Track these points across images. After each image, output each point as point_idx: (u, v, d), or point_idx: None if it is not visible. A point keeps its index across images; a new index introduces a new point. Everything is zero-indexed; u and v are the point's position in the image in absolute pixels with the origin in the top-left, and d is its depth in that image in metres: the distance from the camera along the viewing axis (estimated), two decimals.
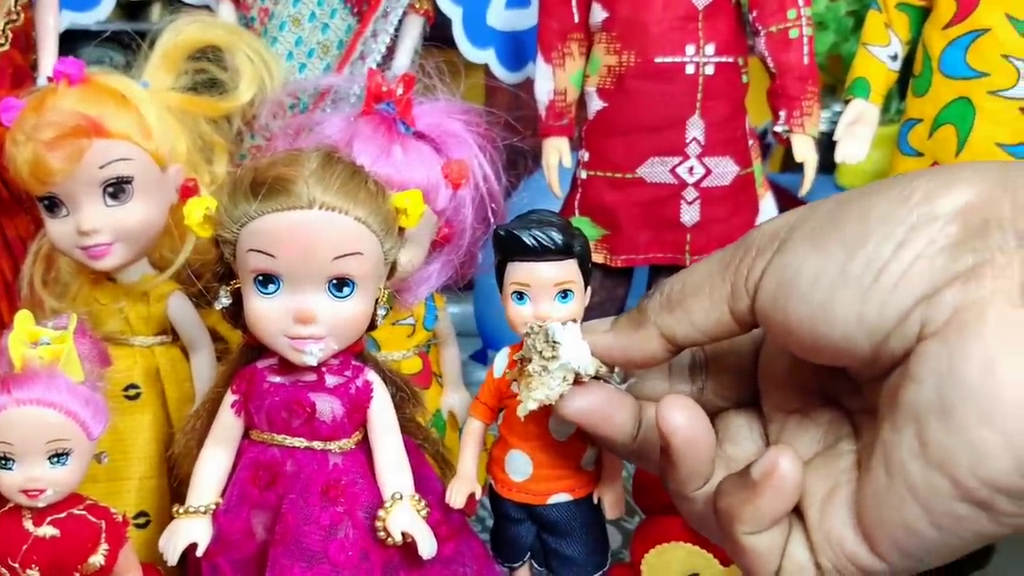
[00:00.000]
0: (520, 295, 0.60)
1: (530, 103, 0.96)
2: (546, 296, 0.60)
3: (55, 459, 0.55)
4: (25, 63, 0.93)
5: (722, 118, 0.90)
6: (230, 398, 0.59)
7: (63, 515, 0.57)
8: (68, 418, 0.54)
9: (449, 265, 0.77)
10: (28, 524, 0.56)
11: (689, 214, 0.91)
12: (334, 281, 0.54)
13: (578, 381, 0.39)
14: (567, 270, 0.60)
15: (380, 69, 1.01)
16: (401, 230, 0.58)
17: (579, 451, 0.64)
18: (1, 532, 0.56)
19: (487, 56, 1.17)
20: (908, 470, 0.29)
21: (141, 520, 0.70)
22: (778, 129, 0.93)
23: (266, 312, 0.55)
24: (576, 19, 0.93)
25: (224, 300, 0.57)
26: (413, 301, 0.76)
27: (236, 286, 0.57)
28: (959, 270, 0.28)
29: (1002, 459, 0.27)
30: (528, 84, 0.99)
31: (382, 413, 0.59)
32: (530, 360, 0.39)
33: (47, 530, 0.56)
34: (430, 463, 0.66)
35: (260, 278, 0.54)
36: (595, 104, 0.92)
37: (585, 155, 0.94)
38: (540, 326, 0.40)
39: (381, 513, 0.57)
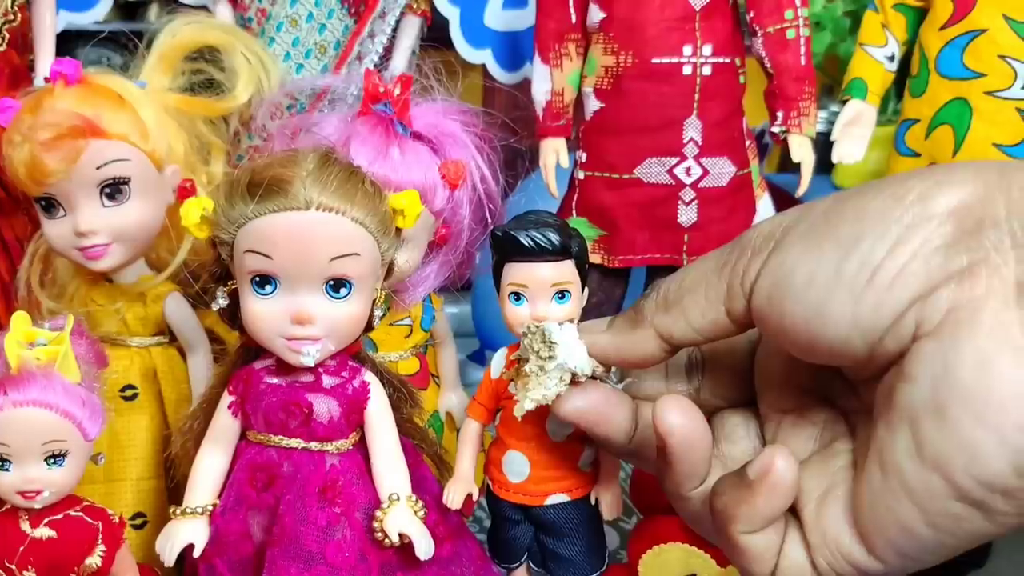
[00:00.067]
0: (517, 296, 0.60)
1: (528, 104, 0.96)
2: (543, 297, 0.60)
3: (52, 460, 0.55)
4: (22, 63, 0.93)
5: (719, 119, 0.90)
6: (227, 399, 0.59)
7: (60, 516, 0.57)
8: (64, 419, 0.54)
9: (447, 266, 0.77)
10: (25, 525, 0.56)
11: (686, 215, 0.91)
12: (331, 282, 0.54)
13: (575, 381, 0.39)
14: (564, 271, 0.60)
15: (377, 70, 1.01)
16: (398, 231, 0.58)
17: (576, 452, 0.64)
18: None
19: (484, 57, 1.17)
20: (903, 470, 0.29)
21: (138, 521, 0.70)
22: (775, 130, 0.93)
23: (263, 313, 0.55)
24: (573, 19, 0.93)
25: (221, 301, 0.57)
26: (410, 302, 0.76)
27: (233, 287, 0.57)
28: (954, 270, 0.28)
29: (997, 459, 0.27)
30: (526, 85, 0.99)
31: (379, 414, 0.59)
32: (527, 360, 0.39)
33: (44, 531, 0.56)
34: (427, 464, 0.66)
35: (257, 279, 0.54)
36: (592, 105, 0.92)
37: (582, 156, 0.94)
38: (537, 326, 0.40)
39: (378, 514, 0.56)
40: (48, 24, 0.95)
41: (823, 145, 0.96)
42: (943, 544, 0.30)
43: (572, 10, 0.93)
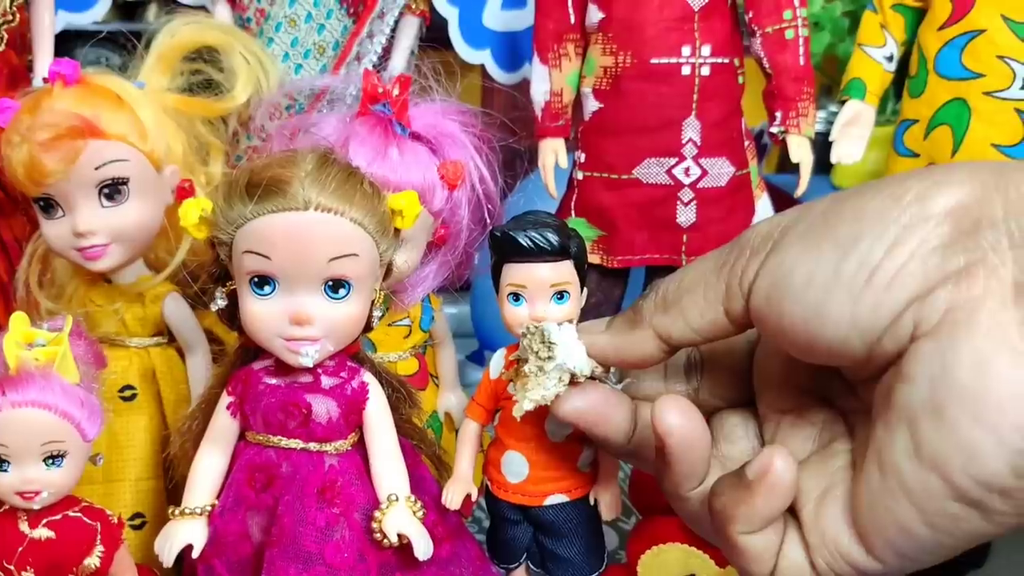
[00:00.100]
0: (516, 296, 0.60)
1: (526, 104, 0.96)
2: (542, 297, 0.60)
3: (50, 461, 0.55)
4: (21, 64, 0.93)
5: (718, 119, 0.90)
6: (226, 399, 0.59)
7: (58, 517, 0.57)
8: (63, 420, 0.54)
9: (445, 266, 0.77)
10: (23, 526, 0.56)
11: (685, 215, 0.91)
12: (330, 283, 0.54)
13: (574, 382, 0.39)
14: (563, 271, 0.60)
15: (376, 70, 1.01)
16: (397, 231, 0.58)
17: (575, 452, 0.64)
18: None
19: (483, 57, 1.17)
20: (901, 470, 0.29)
21: (137, 521, 0.70)
22: (774, 130, 0.93)
23: (262, 314, 0.55)
24: (572, 20, 0.93)
25: (220, 302, 0.57)
26: (409, 302, 0.76)
27: (232, 287, 0.57)
28: (951, 270, 0.29)
29: (994, 459, 0.27)
30: (524, 85, 0.99)
31: (378, 414, 0.59)
32: (526, 361, 0.39)
33: (42, 532, 0.56)
34: (426, 464, 0.66)
35: (256, 279, 0.54)
36: (591, 105, 0.92)
37: (581, 156, 0.94)
38: (536, 327, 0.40)
39: (377, 514, 0.56)
40: (47, 24, 0.95)
41: (822, 145, 0.96)
42: (941, 544, 0.30)
43: (571, 10, 0.93)
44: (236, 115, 0.83)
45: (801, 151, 0.92)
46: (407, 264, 0.72)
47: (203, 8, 1.06)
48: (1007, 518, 0.28)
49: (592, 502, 0.65)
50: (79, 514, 0.57)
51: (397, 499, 0.57)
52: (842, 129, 0.95)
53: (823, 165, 1.03)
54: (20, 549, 0.55)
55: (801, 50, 0.91)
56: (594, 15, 0.91)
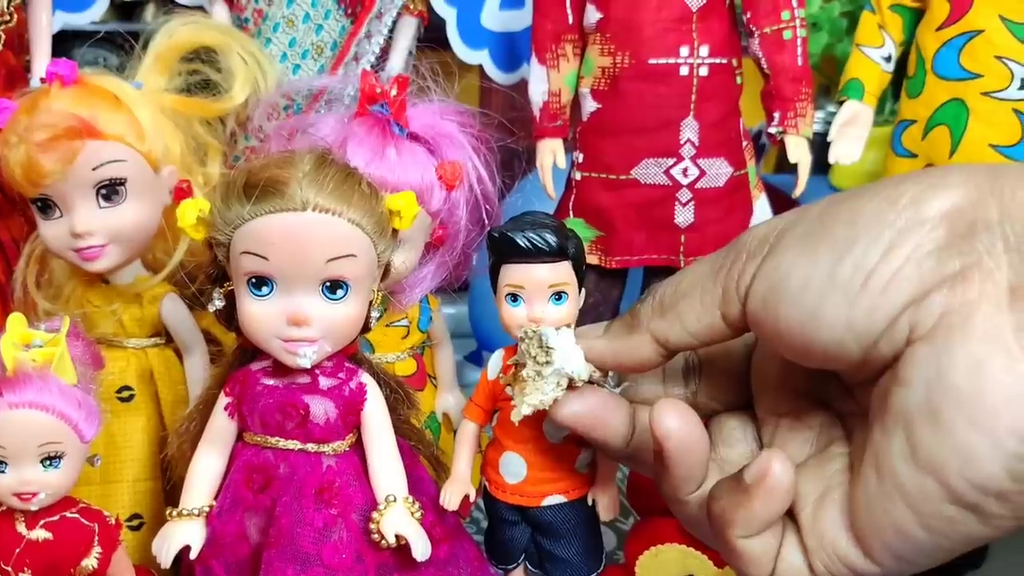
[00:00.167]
0: (514, 297, 0.60)
1: (524, 104, 0.96)
2: (540, 298, 0.60)
3: (48, 462, 0.55)
4: (18, 64, 0.93)
5: (716, 119, 0.90)
6: (223, 400, 0.59)
7: (56, 518, 0.56)
8: (61, 421, 0.54)
9: (443, 267, 0.76)
10: (21, 527, 0.56)
11: (683, 215, 0.91)
12: (328, 283, 0.54)
13: (572, 386, 0.39)
14: (561, 272, 0.60)
15: (374, 70, 1.01)
16: (395, 232, 0.58)
17: (573, 453, 0.64)
18: None
19: (481, 57, 1.17)
20: (898, 473, 0.30)
21: (135, 522, 0.70)
22: (772, 130, 0.93)
23: (259, 314, 0.55)
24: (570, 20, 0.93)
25: (218, 302, 0.57)
26: (407, 303, 0.76)
27: (229, 288, 0.56)
28: (947, 274, 0.29)
29: (990, 462, 0.27)
30: (522, 85, 0.99)
31: (376, 415, 0.59)
32: (524, 365, 0.39)
33: (40, 533, 0.56)
34: (424, 465, 0.66)
35: (253, 280, 0.54)
36: (589, 105, 0.92)
37: (579, 156, 0.94)
38: (534, 331, 0.40)
39: (375, 515, 0.56)
40: (44, 25, 0.95)
41: (820, 146, 0.96)
42: (939, 547, 0.30)
43: (569, 11, 0.93)
44: (234, 115, 0.83)
45: (799, 151, 0.92)
46: (405, 265, 0.71)
47: (201, 8, 1.05)
48: (1004, 521, 0.29)
49: (590, 503, 0.65)
50: (77, 515, 0.57)
51: (395, 500, 0.57)
52: (840, 129, 0.95)
53: (821, 165, 1.03)
54: (18, 550, 0.55)
55: (799, 50, 0.91)
56: (592, 15, 0.91)
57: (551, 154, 0.95)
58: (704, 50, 0.88)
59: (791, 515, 0.34)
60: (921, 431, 0.29)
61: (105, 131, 0.65)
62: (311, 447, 0.58)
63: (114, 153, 0.66)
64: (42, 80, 0.68)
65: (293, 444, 0.58)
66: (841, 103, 0.96)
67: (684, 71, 0.88)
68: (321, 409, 0.57)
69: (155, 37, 0.76)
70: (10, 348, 0.54)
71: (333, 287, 0.54)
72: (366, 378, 0.59)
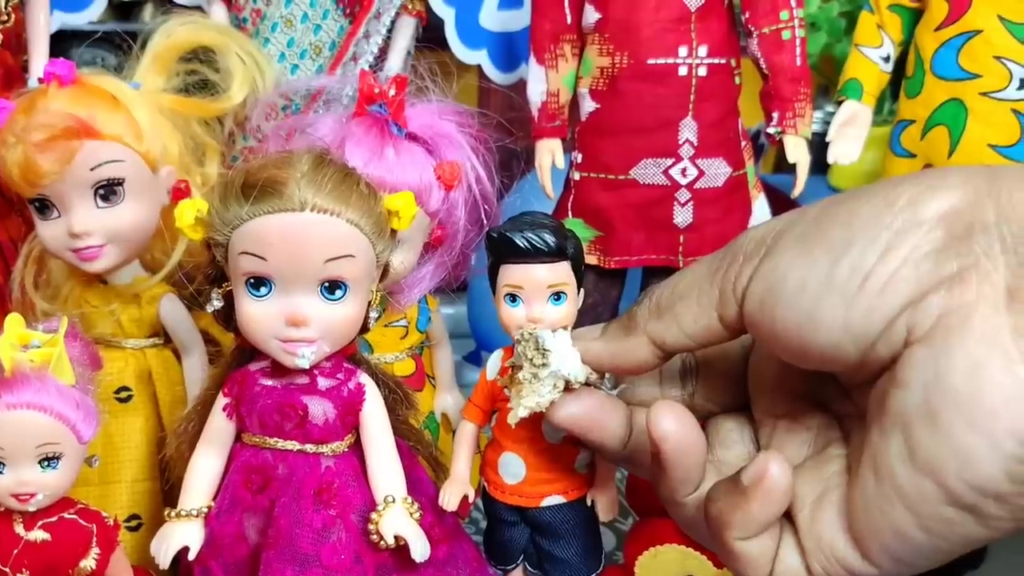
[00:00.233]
0: (513, 297, 0.60)
1: (523, 104, 0.96)
2: (539, 298, 0.60)
3: (46, 463, 0.54)
4: (16, 64, 0.93)
5: (715, 120, 0.90)
6: (222, 401, 0.59)
7: (54, 519, 0.56)
8: (59, 421, 0.54)
9: (442, 267, 0.76)
10: (19, 528, 0.56)
11: (682, 216, 0.91)
12: (326, 284, 0.54)
13: (569, 388, 0.39)
14: (560, 272, 0.60)
15: (373, 70, 1.00)
16: (393, 232, 0.58)
17: (572, 453, 0.64)
18: None
19: (480, 57, 1.17)
20: (896, 474, 0.30)
21: (133, 523, 0.70)
22: (771, 130, 0.93)
23: (258, 315, 0.54)
24: (569, 20, 0.93)
25: (216, 303, 0.57)
26: (406, 303, 0.76)
27: (228, 289, 0.56)
28: (944, 275, 0.29)
29: (989, 463, 0.27)
30: (521, 85, 0.99)
31: (375, 416, 0.59)
32: (520, 368, 0.39)
33: (38, 534, 0.56)
34: (423, 465, 0.66)
35: (252, 281, 0.54)
36: (588, 105, 0.92)
37: (578, 156, 0.94)
38: (531, 333, 0.40)
39: (374, 516, 0.56)
40: (42, 24, 0.95)
41: (819, 146, 0.96)
42: (937, 548, 0.30)
43: (567, 11, 0.92)
44: (232, 115, 0.83)
45: (798, 151, 0.92)
46: (404, 265, 0.71)
47: (199, 8, 1.05)
48: (1002, 522, 0.29)
49: (589, 503, 0.65)
50: (75, 516, 0.57)
51: (394, 500, 0.57)
52: (839, 129, 0.95)
53: (820, 165, 1.03)
54: (15, 551, 0.55)
55: (798, 50, 0.91)
56: (591, 16, 0.90)
57: (550, 154, 0.95)
58: (703, 50, 0.88)
59: (789, 517, 0.34)
60: (919, 433, 0.29)
61: (103, 131, 0.65)
62: (310, 448, 0.58)
63: (112, 153, 0.66)
64: (40, 80, 0.68)
65: (292, 445, 0.58)
66: (840, 103, 0.96)
67: (683, 71, 0.88)
68: (320, 409, 0.57)
69: (153, 37, 0.76)
70: (8, 349, 0.54)
71: (332, 287, 0.54)
72: (365, 378, 0.59)
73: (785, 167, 0.95)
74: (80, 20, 1.09)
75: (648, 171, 0.90)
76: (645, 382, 0.41)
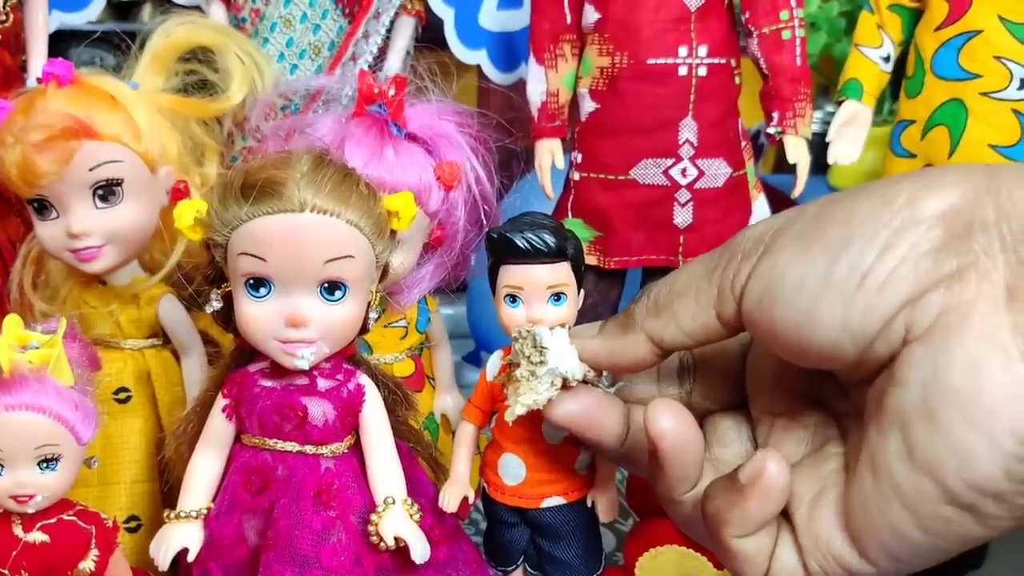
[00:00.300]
0: (513, 298, 0.60)
1: (523, 105, 0.96)
2: (539, 299, 0.59)
3: (44, 464, 0.54)
4: (14, 64, 0.93)
5: (715, 120, 0.90)
6: (221, 402, 0.59)
7: (53, 521, 0.56)
8: (57, 423, 0.54)
9: (442, 267, 0.76)
10: (18, 530, 0.56)
11: (682, 216, 0.91)
12: (326, 284, 0.54)
13: (566, 386, 0.39)
14: (560, 272, 0.60)
15: (372, 70, 1.00)
16: (393, 233, 0.57)
17: (572, 454, 0.63)
18: None
19: (479, 57, 1.17)
20: (894, 473, 0.30)
21: (132, 524, 0.70)
22: (771, 131, 0.93)
23: (257, 316, 0.54)
24: (568, 20, 0.93)
25: (215, 303, 0.57)
26: (406, 304, 0.76)
27: (227, 289, 0.56)
28: (943, 274, 0.29)
29: (988, 462, 0.27)
30: (520, 85, 0.99)
31: (374, 416, 0.59)
32: (518, 365, 0.39)
33: (37, 536, 0.56)
34: (423, 467, 0.66)
35: (251, 281, 0.54)
36: (588, 106, 0.92)
37: (578, 157, 0.93)
38: (528, 331, 0.40)
39: (374, 517, 0.56)
40: (40, 24, 0.94)
41: (819, 146, 0.96)
42: (935, 547, 0.30)
43: (567, 11, 0.92)
44: (231, 116, 0.83)
45: (798, 152, 0.92)
46: (403, 265, 0.71)
47: (198, 8, 1.05)
48: (1001, 521, 0.28)
49: (589, 504, 0.65)
50: (74, 518, 0.57)
51: (394, 502, 0.57)
52: (839, 130, 0.94)
53: (820, 166, 1.03)
54: (14, 553, 0.55)
55: (798, 50, 0.91)
56: (590, 15, 0.90)
57: (549, 154, 0.95)
58: (703, 50, 0.88)
59: (786, 515, 0.34)
60: (918, 431, 0.29)
61: (102, 131, 0.65)
62: (309, 449, 0.58)
63: (111, 153, 0.66)
64: (38, 80, 0.68)
65: (291, 446, 0.57)
66: (840, 103, 0.96)
67: (683, 71, 0.88)
68: (319, 411, 0.57)
69: (152, 37, 0.76)
70: (6, 350, 0.54)
71: (331, 288, 0.54)
72: (364, 379, 0.59)
73: (785, 167, 0.95)
74: (79, 20, 1.09)
75: (648, 171, 0.90)
76: (643, 380, 0.41)
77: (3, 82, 0.89)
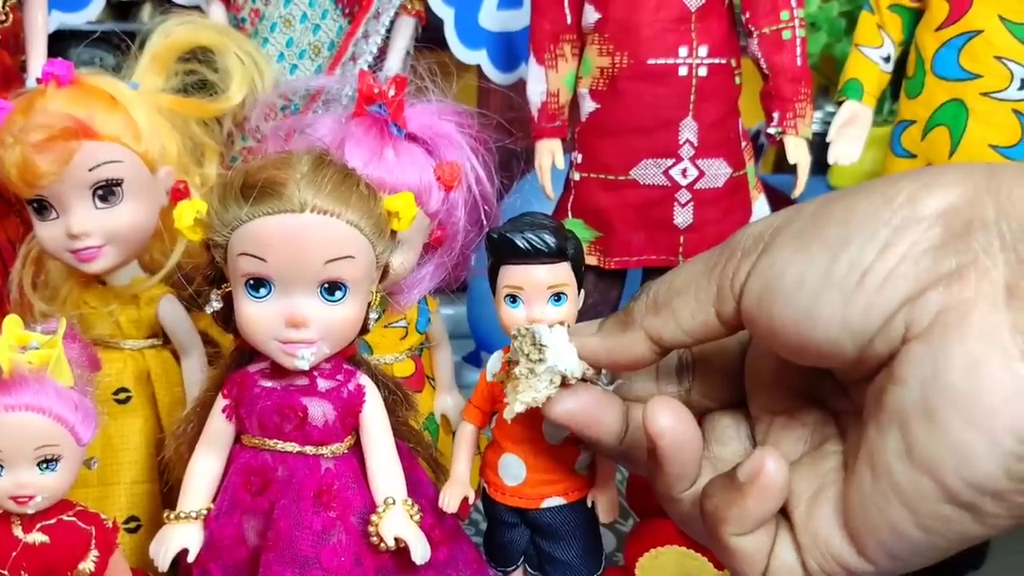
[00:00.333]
0: (513, 298, 0.60)
1: (523, 105, 0.96)
2: (539, 299, 0.59)
3: (44, 465, 0.54)
4: (14, 64, 0.92)
5: (715, 120, 0.90)
6: (221, 402, 0.59)
7: (52, 521, 0.56)
8: (57, 423, 0.54)
9: (442, 268, 0.76)
10: (17, 531, 0.55)
11: (682, 216, 0.91)
12: (326, 285, 0.54)
13: (565, 384, 0.39)
14: (560, 273, 0.60)
15: (372, 70, 1.00)
16: (393, 233, 0.57)
17: (573, 455, 0.63)
18: None
19: (479, 57, 1.17)
20: (893, 471, 0.30)
21: (132, 525, 0.70)
22: (771, 131, 0.93)
23: (257, 316, 0.54)
24: (569, 20, 0.93)
25: (215, 304, 0.57)
26: (406, 304, 0.76)
27: (227, 290, 0.56)
28: (943, 272, 0.29)
29: (987, 461, 0.27)
30: (521, 85, 0.99)
31: (374, 417, 0.59)
32: (517, 363, 0.39)
33: (36, 537, 0.55)
34: (423, 467, 0.66)
35: (251, 282, 0.54)
36: (588, 106, 0.92)
37: (578, 157, 0.93)
38: (527, 329, 0.40)
39: (374, 518, 0.56)
40: (40, 24, 0.94)
41: (819, 146, 0.96)
42: (934, 546, 0.30)
43: (567, 11, 0.92)
44: (231, 116, 0.83)
45: (798, 152, 0.92)
46: (403, 266, 0.71)
47: (197, 8, 1.05)
48: (999, 520, 0.28)
49: (590, 504, 0.65)
50: (73, 518, 0.57)
51: (394, 502, 0.57)
52: (839, 130, 0.94)
53: (820, 166, 1.03)
54: (14, 554, 0.55)
55: (798, 51, 0.91)
56: (591, 16, 0.90)
57: (549, 154, 0.95)
58: (703, 50, 0.88)
59: (784, 513, 0.34)
60: (917, 430, 0.29)
61: (101, 131, 0.65)
62: (309, 449, 0.57)
63: (110, 154, 0.66)
64: (38, 80, 0.68)
65: (291, 446, 0.57)
66: (840, 103, 0.95)
67: (683, 71, 0.88)
68: (319, 411, 0.57)
69: (151, 37, 0.76)
70: (6, 350, 0.54)
71: (332, 288, 0.54)
72: (364, 380, 0.59)
73: (785, 167, 0.95)
74: (78, 20, 1.09)
75: (648, 171, 0.90)
76: (641, 378, 0.41)
77: (3, 82, 0.89)
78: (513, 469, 0.64)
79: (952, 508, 0.28)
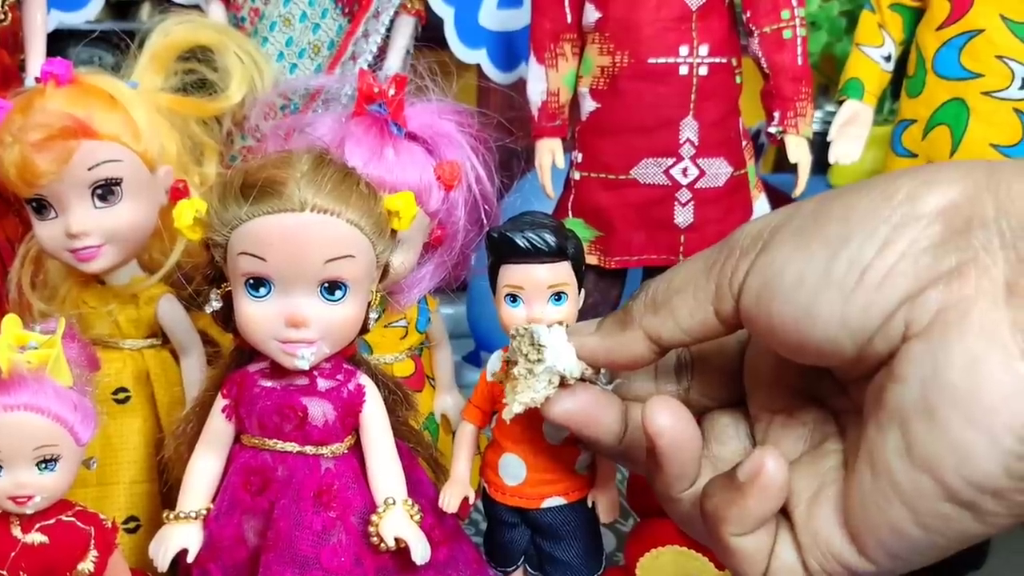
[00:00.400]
0: (513, 298, 0.60)
1: (523, 104, 0.96)
2: (540, 298, 0.59)
3: (43, 465, 0.54)
4: (13, 63, 0.92)
5: (716, 119, 0.90)
6: (221, 402, 0.59)
7: (52, 521, 0.56)
8: (56, 423, 0.54)
9: (442, 267, 0.76)
10: (16, 531, 0.55)
11: (683, 215, 0.91)
12: (326, 284, 0.54)
13: (564, 383, 0.39)
14: (560, 272, 0.59)
15: (372, 70, 1.00)
16: (393, 232, 0.57)
17: (573, 454, 0.63)
18: None
19: (479, 56, 1.17)
20: (893, 470, 0.29)
21: (131, 525, 0.70)
22: (772, 130, 0.92)
23: (257, 316, 0.54)
24: (569, 19, 0.92)
25: (215, 303, 0.57)
26: (406, 303, 0.76)
27: (227, 289, 0.56)
28: (943, 270, 0.28)
29: (987, 459, 0.27)
30: (521, 85, 0.99)
31: (374, 417, 0.59)
32: (516, 363, 0.39)
33: (35, 537, 0.55)
34: (423, 467, 0.66)
35: (251, 281, 0.54)
36: (588, 105, 0.92)
37: (578, 156, 0.93)
38: (526, 328, 0.40)
39: (374, 518, 0.56)
40: (39, 24, 0.94)
41: (820, 145, 0.96)
42: (934, 544, 0.30)
43: (568, 10, 0.92)
44: (230, 115, 0.83)
45: (799, 151, 0.92)
46: (403, 265, 0.71)
47: (197, 7, 1.05)
48: (1000, 519, 0.28)
49: (590, 504, 0.65)
50: (72, 518, 0.57)
51: (394, 502, 0.57)
52: (840, 129, 0.94)
53: (821, 165, 1.03)
54: (13, 554, 0.55)
55: (799, 50, 0.91)
56: (591, 15, 0.90)
57: (550, 154, 0.95)
58: (704, 49, 0.88)
59: (785, 512, 0.34)
60: (917, 428, 0.29)
61: (100, 131, 0.65)
62: (309, 449, 0.57)
63: (110, 153, 0.66)
64: (37, 79, 0.68)
65: (291, 446, 0.57)
66: (841, 103, 0.95)
67: (683, 70, 0.88)
68: (319, 411, 0.57)
69: (151, 36, 0.76)
70: (5, 350, 0.54)
71: (332, 288, 0.54)
72: (364, 379, 0.59)
73: (786, 167, 0.95)
74: (77, 19, 1.09)
75: (649, 171, 0.90)
76: (640, 377, 0.41)
77: (2, 81, 0.88)
78: (513, 469, 0.64)
79: (952, 507, 0.28)
